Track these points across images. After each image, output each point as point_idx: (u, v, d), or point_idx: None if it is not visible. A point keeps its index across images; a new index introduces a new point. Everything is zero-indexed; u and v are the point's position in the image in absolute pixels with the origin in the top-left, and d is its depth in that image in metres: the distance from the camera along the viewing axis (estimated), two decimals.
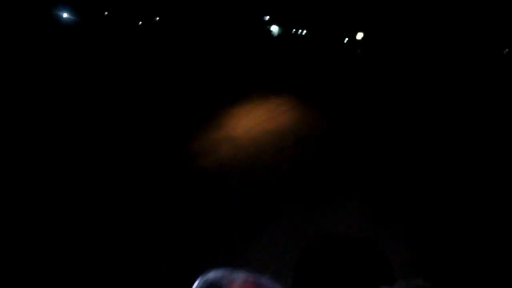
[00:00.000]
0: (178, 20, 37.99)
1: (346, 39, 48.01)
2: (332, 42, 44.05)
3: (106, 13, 31.82)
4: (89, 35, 26.19)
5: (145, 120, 7.90)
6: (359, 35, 46.03)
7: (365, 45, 42.48)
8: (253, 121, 7.69)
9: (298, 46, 35.09)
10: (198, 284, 1.29)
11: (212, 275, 1.27)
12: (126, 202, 4.83)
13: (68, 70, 12.40)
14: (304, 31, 53.24)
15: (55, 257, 3.65)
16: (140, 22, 39.73)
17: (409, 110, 9.12)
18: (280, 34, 54.19)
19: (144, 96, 9.80)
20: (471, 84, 12.64)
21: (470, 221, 4.29)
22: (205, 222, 4.40)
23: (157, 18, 38.34)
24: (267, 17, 52.08)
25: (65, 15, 32.36)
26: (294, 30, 55.06)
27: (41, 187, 5.01)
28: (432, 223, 4.29)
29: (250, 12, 48.42)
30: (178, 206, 4.78)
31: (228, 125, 7.58)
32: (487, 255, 3.65)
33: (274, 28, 55.64)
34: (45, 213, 4.44)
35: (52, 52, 16.42)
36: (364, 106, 9.54)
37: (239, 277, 1.24)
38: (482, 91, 11.27)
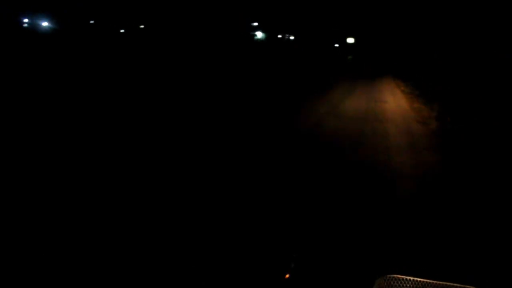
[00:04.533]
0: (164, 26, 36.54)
1: (336, 44, 47.06)
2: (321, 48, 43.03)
3: (91, 21, 30.04)
4: (72, 44, 24.96)
5: None
6: (350, 40, 45.10)
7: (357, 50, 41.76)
8: None
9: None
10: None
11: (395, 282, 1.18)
12: None
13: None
14: (292, 37, 51.97)
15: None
16: (122, 30, 37.95)
17: None
18: (264, 41, 52.59)
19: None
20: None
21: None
22: None
23: (142, 26, 36.66)
24: (255, 24, 50.52)
25: (44, 23, 30.39)
26: (280, 36, 53.84)
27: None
28: None
29: (235, 17, 47.07)
30: None
31: None
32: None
33: (260, 35, 54.03)
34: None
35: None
36: None
37: None
38: None
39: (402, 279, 1.18)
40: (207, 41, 37.24)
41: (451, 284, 1.17)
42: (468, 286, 1.17)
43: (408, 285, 1.14)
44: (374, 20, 42.40)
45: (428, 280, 1.16)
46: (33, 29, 29.37)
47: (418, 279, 1.19)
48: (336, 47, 47.50)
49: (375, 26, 42.47)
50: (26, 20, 28.64)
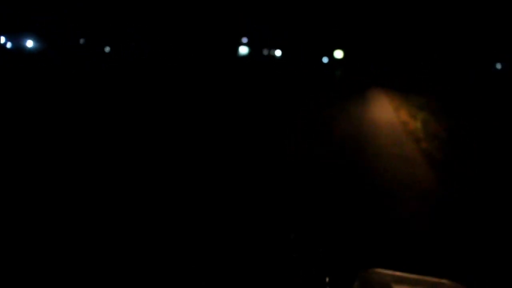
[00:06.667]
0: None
1: (325, 58, 47.23)
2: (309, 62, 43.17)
3: (82, 40, 29.74)
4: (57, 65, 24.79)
5: None
6: (339, 53, 45.27)
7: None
8: None
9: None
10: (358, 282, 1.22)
11: (376, 276, 1.22)
12: None
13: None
14: (278, 52, 52.11)
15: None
16: (108, 48, 37.65)
17: None
18: (248, 56, 52.41)
19: None
20: None
21: None
22: None
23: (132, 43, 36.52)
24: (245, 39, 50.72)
25: (29, 43, 29.98)
26: (265, 51, 53.91)
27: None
28: None
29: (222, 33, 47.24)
30: None
31: None
32: None
33: (244, 50, 53.84)
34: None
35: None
36: None
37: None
38: None
39: (382, 272, 1.24)
40: (192, 56, 37.44)
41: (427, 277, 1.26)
42: (442, 280, 1.27)
43: (387, 278, 1.23)
44: (362, 30, 42.88)
45: (406, 274, 1.27)
46: (18, 50, 28.90)
47: (397, 272, 1.25)
48: (324, 61, 47.75)
49: (364, 36, 42.91)
50: (7, 40, 28.09)
